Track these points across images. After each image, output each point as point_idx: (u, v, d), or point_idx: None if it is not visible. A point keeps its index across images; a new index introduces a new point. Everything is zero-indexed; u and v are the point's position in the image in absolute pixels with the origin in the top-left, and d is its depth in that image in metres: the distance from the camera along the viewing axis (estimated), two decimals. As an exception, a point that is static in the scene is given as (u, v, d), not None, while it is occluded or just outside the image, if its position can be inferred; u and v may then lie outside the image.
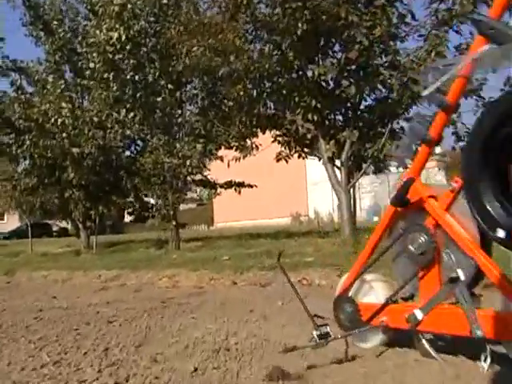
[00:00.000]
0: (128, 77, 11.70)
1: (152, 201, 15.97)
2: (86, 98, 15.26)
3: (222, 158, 12.26)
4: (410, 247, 2.33)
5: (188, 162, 11.23)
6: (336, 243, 8.68)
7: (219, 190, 14.47)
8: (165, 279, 6.87)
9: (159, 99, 11.67)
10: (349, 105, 9.03)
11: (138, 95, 11.87)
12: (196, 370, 2.53)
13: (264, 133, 10.07)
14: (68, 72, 15.54)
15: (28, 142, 13.16)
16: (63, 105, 12.89)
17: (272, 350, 2.86)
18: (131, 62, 11.56)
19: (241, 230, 21.54)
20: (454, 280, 2.14)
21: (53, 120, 12.86)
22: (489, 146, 1.61)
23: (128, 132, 12.67)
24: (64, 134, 13.00)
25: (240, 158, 10.75)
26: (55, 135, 13.26)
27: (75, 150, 13.43)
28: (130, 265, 9.28)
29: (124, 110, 12.30)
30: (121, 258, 12.00)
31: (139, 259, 10.58)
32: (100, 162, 14.07)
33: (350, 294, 2.69)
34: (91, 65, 12.34)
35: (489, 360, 2.07)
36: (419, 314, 2.26)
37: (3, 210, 25.72)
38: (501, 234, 1.59)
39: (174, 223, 12.18)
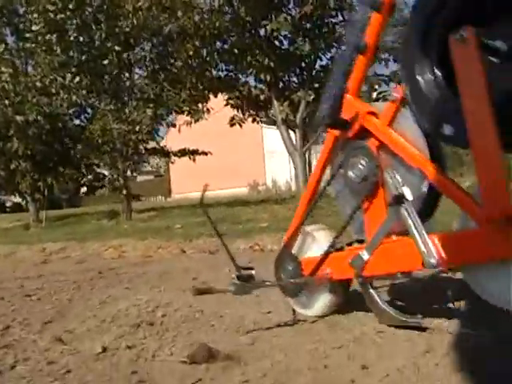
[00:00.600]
0: (72, 39, 11.03)
1: (106, 172, 15.40)
2: (30, 62, 14.45)
3: (174, 125, 11.78)
4: (351, 174, 2.03)
5: (138, 128, 10.72)
6: (292, 208, 8.37)
7: (173, 158, 13.98)
8: (111, 249, 6.46)
9: (106, 62, 11.06)
10: (303, 65, 8.67)
11: (84, 58, 11.25)
12: (104, 350, 2.09)
13: (216, 96, 9.66)
14: (9, 36, 14.68)
15: (-33, 111, 12.39)
16: (3, 69, 12.12)
17: (204, 323, 2.40)
18: (75, 22, 10.89)
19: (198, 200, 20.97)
20: (400, 201, 1.80)
21: (-9, 85, 12.10)
22: (427, 38, 1.57)
23: (74, 98, 11.99)
24: (6, 101, 12.25)
25: (191, 123, 10.31)
26: (-4, 103, 12.52)
27: (19, 118, 12.70)
28: (77, 237, 8.82)
29: (69, 75, 11.65)
30: (70, 231, 11.50)
31: (88, 231, 10.12)
32: (46, 131, 13.39)
33: (292, 250, 2.36)
34: (34, 27, 11.61)
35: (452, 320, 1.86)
36: (365, 255, 1.92)
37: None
38: (447, 130, 1.52)
39: (124, 192, 11.70)
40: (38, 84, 12.18)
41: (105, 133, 11.21)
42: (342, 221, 2.11)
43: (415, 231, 1.72)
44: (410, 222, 1.74)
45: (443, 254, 1.66)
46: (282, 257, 2.37)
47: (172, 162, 14.35)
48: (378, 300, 2.04)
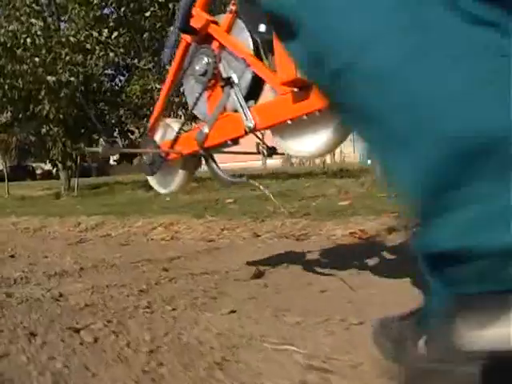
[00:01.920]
0: (110, -11, 9.87)
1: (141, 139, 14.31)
2: (63, 19, 13.32)
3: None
4: (197, 68, 2.38)
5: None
6: (365, 183, 7.17)
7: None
8: (160, 229, 5.37)
9: (147, 14, 9.85)
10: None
11: (123, 11, 10.06)
12: None
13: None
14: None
15: (-5, 71, 11.34)
16: (33, 21, 10.99)
17: None
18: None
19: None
20: (230, 83, 2.23)
21: (22, 40, 10.99)
22: None
23: (112, 56, 10.86)
24: (37, 59, 11.16)
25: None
26: (26, 60, 11.42)
27: (50, 79, 11.65)
28: (115, 209, 7.86)
29: (106, 30, 10.51)
30: (105, 202, 10.53)
31: (126, 203, 9.18)
32: (80, 93, 12.32)
33: (153, 138, 2.68)
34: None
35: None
36: (205, 129, 2.34)
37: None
38: (262, 28, 1.99)
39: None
40: (72, 39, 11.03)
41: (144, 95, 10.05)
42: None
43: (240, 107, 2.17)
44: (236, 100, 2.19)
45: (258, 119, 2.10)
46: (144, 142, 2.76)
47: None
48: (215, 167, 2.41)
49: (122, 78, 13.66)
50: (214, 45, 2.40)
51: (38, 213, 9.13)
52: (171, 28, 7.12)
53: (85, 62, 11.54)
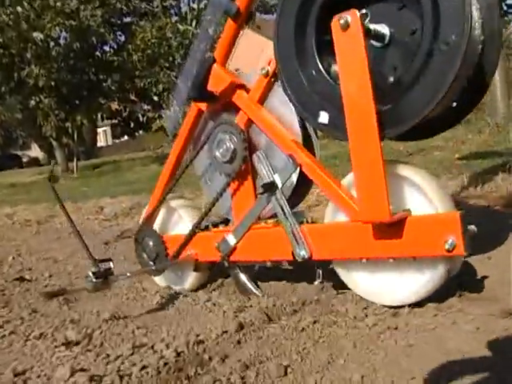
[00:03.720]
0: None
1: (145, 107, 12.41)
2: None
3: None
4: (217, 153, 1.87)
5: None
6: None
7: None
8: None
9: None
10: None
11: None
12: None
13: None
14: None
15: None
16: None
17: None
18: None
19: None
20: (270, 187, 1.72)
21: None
22: (303, 15, 1.54)
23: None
24: (18, 8, 9.00)
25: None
26: (6, 11, 9.26)
27: (37, 36, 9.52)
28: (138, 187, 6.67)
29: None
30: (119, 180, 8.55)
31: (145, 179, 7.32)
32: (74, 53, 10.23)
33: (153, 226, 2.18)
34: None
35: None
36: (231, 240, 1.84)
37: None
38: (323, 118, 1.50)
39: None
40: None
41: (161, 41, 7.99)
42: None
43: (285, 221, 1.69)
44: (280, 210, 1.70)
45: (316, 248, 1.61)
46: (142, 234, 2.17)
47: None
48: (245, 280, 1.91)
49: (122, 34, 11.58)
50: (240, 119, 1.87)
51: (38, 200, 7.18)
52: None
53: (77, 13, 9.43)
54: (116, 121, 14.03)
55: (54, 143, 12.45)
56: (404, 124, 1.41)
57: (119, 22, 11.70)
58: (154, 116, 11.46)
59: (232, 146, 1.82)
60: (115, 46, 12.07)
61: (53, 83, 10.55)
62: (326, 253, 1.60)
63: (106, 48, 12.16)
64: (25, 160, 37.53)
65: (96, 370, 1.29)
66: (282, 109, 1.72)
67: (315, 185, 1.70)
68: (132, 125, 14.17)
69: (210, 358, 1.25)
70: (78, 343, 1.47)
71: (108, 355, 1.34)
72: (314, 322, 1.37)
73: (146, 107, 12.94)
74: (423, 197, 1.52)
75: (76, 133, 12.02)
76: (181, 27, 7.89)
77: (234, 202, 1.91)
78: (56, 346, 1.51)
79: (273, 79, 1.72)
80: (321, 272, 1.71)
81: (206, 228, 2.00)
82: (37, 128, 12.43)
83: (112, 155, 30.70)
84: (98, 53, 11.72)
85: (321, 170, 1.61)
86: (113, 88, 11.70)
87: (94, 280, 1.88)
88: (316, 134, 1.74)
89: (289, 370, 1.20)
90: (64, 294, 2.04)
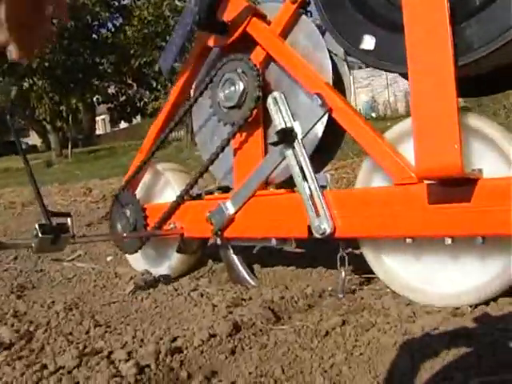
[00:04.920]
0: None
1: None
2: None
3: None
4: (222, 97, 1.52)
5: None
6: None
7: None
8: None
9: None
10: None
11: None
12: None
13: None
14: None
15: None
16: None
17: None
18: None
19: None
20: (287, 136, 1.35)
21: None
22: None
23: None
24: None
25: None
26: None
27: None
28: None
29: None
30: (113, 164, 8.19)
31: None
32: (69, 32, 9.82)
33: (134, 193, 1.82)
34: None
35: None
36: (229, 208, 1.47)
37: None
38: (368, 44, 1.15)
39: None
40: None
41: (158, 20, 7.59)
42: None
43: (304, 183, 1.32)
44: (297, 169, 1.33)
45: (339, 220, 1.25)
46: (119, 200, 1.82)
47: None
48: (239, 266, 1.58)
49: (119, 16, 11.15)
50: (256, 56, 1.51)
51: (26, 183, 6.82)
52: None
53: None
54: (112, 105, 13.57)
55: (48, 127, 12.05)
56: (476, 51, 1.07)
57: (117, 3, 11.29)
58: (150, 98, 11.05)
59: (241, 86, 1.48)
60: (112, 29, 11.70)
61: (47, 64, 10.16)
62: (356, 228, 1.22)
63: (103, 30, 11.81)
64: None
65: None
66: (309, 42, 1.44)
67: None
68: (129, 109, 13.78)
69: (190, 376, 0.83)
70: (10, 346, 1.06)
71: (44, 366, 0.93)
72: (343, 324, 0.96)
73: (142, 91, 12.55)
74: (499, 155, 1.14)
75: (71, 116, 11.64)
76: (179, 4, 7.51)
77: (236, 162, 1.55)
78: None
79: (299, 7, 1.42)
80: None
81: (199, 196, 1.67)
82: (31, 110, 12.06)
83: (110, 143, 30.49)
84: (94, 35, 11.33)
85: (358, 117, 1.27)
86: (109, 71, 11.31)
87: (40, 235, 1.47)
88: (350, 80, 1.46)
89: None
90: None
